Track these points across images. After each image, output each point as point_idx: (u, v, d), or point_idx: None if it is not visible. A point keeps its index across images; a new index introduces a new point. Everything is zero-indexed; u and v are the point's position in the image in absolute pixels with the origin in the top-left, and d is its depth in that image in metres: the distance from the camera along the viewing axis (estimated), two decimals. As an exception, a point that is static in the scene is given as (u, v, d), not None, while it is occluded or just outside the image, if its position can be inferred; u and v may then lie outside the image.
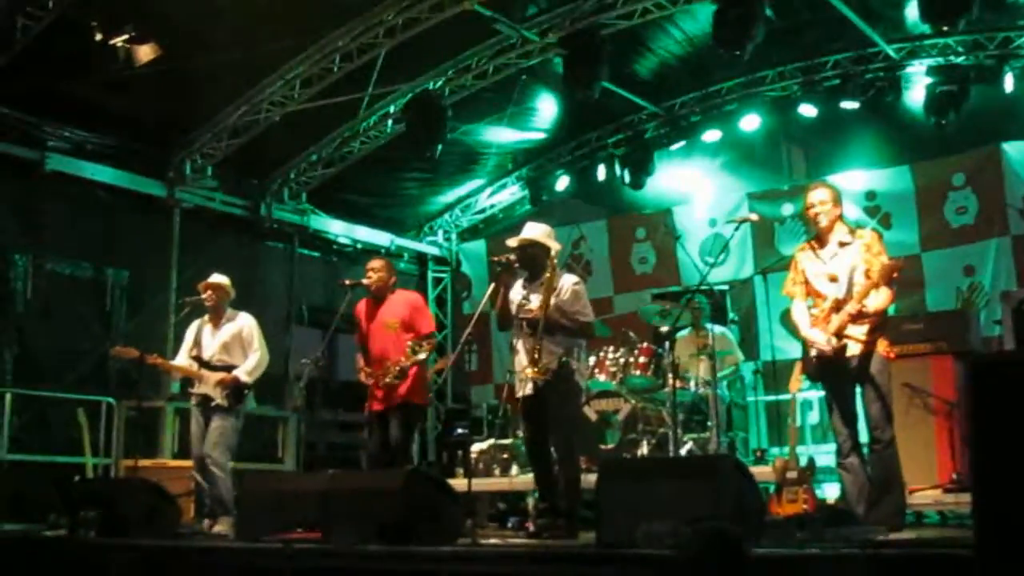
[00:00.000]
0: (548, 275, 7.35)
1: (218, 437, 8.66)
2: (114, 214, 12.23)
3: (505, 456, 10.77)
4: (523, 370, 7.26)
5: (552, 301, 7.26)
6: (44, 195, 11.61)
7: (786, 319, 7.69)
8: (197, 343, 9.04)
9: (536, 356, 7.11)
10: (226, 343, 8.96)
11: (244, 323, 9.06)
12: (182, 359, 9.12)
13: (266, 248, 14.16)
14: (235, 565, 6.28)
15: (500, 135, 13.79)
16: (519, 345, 7.47)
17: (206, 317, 9.14)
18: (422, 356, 8.13)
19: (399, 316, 8.39)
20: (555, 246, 7.61)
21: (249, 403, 8.94)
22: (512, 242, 7.64)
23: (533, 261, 7.54)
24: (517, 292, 7.60)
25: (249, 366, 8.88)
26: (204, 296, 9.03)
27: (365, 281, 8.49)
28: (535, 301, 7.35)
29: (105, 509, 7.30)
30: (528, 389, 7.29)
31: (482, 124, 13.44)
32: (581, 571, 4.89)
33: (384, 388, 8.22)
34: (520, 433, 11.20)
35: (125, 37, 9.38)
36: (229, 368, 8.82)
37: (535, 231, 7.62)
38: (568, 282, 7.47)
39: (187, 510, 9.34)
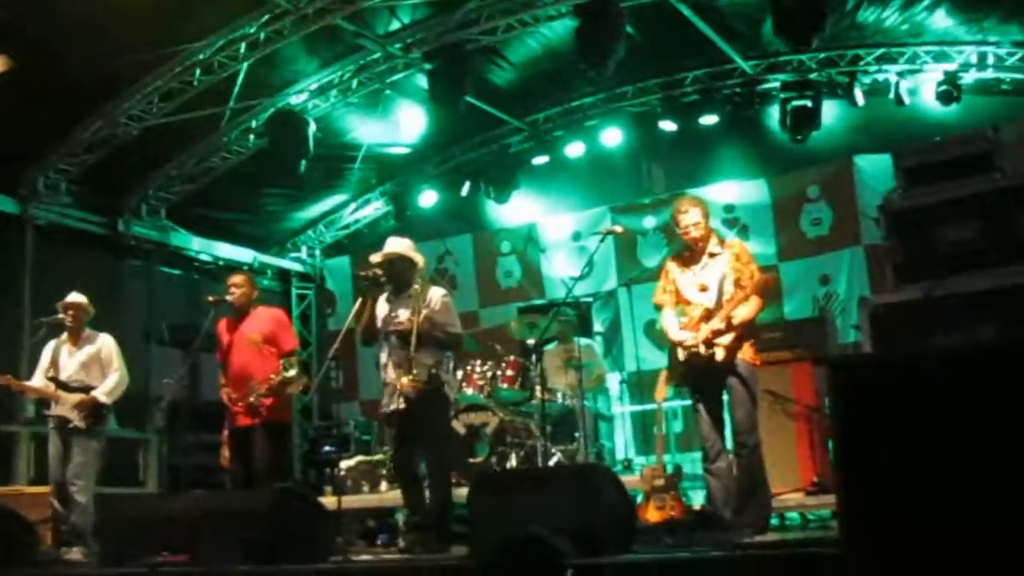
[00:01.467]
0: (417, 287, 7.42)
1: (80, 461, 8.42)
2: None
3: (374, 472, 10.68)
4: (394, 383, 7.24)
5: (423, 313, 7.26)
6: None
7: (651, 330, 7.83)
8: (54, 363, 8.78)
9: (409, 367, 7.09)
10: (84, 363, 8.75)
11: (103, 343, 8.85)
12: (38, 380, 8.83)
13: (125, 266, 13.76)
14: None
15: (364, 150, 13.71)
16: (387, 359, 7.44)
17: (63, 337, 8.89)
18: (293, 373, 8.02)
19: (262, 331, 8.26)
20: (419, 259, 7.67)
21: (110, 425, 8.73)
22: (376, 257, 7.66)
23: (398, 275, 7.58)
24: (382, 307, 7.59)
25: (108, 386, 8.67)
26: (62, 316, 8.81)
27: (228, 297, 8.36)
28: (403, 314, 7.36)
29: (-41, 538, 7.03)
30: (399, 403, 7.25)
31: (346, 139, 13.35)
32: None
33: (247, 406, 8.07)
34: (388, 449, 11.18)
35: (-25, 49, 9.08)
36: (87, 389, 8.60)
37: (398, 245, 7.66)
38: (437, 294, 7.52)
39: (45, 537, 9.04)
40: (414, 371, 7.13)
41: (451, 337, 7.47)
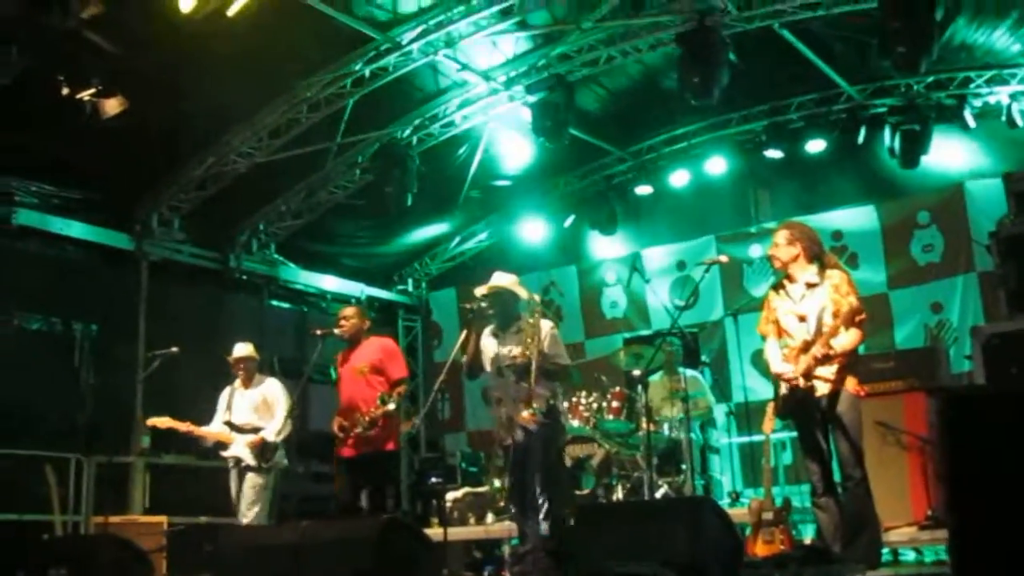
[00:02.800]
0: (532, 321, 7.52)
1: (252, 496, 9.00)
2: (82, 268, 12.16)
3: (480, 504, 10.72)
4: (511, 416, 7.33)
5: (535, 347, 7.38)
6: (11, 249, 11.52)
7: (758, 360, 7.73)
8: (228, 408, 9.38)
9: (529, 401, 7.20)
10: (256, 407, 9.32)
11: (270, 387, 9.41)
12: (215, 425, 9.40)
13: (235, 299, 14.08)
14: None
15: (468, 183, 13.82)
16: (501, 393, 7.52)
17: (236, 383, 9.51)
18: (391, 407, 8.19)
19: (370, 360, 8.51)
20: (523, 293, 7.79)
21: (280, 460, 9.21)
22: (481, 290, 7.79)
23: (504, 309, 7.72)
24: (488, 341, 7.66)
25: (276, 427, 9.10)
26: (235, 370, 9.49)
27: (337, 330, 8.63)
28: (516, 348, 7.41)
29: (74, 566, 7.21)
30: (518, 436, 7.33)
31: (450, 172, 13.48)
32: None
33: (355, 436, 8.26)
34: (496, 481, 11.19)
35: (92, 91, 9.35)
36: (257, 430, 9.15)
37: (504, 280, 7.81)
38: (546, 327, 7.63)
39: (160, 566, 9.25)
40: (534, 404, 7.25)
41: (561, 369, 7.61)
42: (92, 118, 9.48)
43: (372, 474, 8.46)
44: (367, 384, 8.43)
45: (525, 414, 7.26)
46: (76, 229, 11.95)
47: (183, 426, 9.34)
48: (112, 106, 9.46)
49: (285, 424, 9.10)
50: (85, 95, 9.32)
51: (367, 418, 8.19)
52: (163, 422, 9.39)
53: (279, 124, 11.70)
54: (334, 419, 8.60)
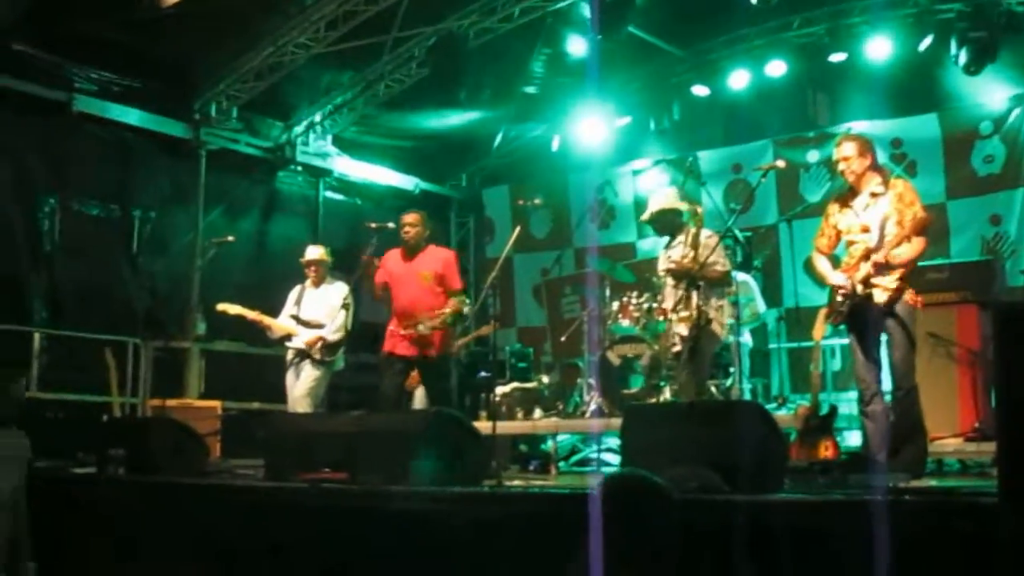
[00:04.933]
0: (693, 229, 8.17)
1: (307, 386, 9.37)
2: (141, 156, 12.30)
3: (528, 399, 10.87)
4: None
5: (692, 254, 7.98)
6: (71, 136, 11.66)
7: (810, 266, 7.70)
8: (297, 303, 9.67)
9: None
10: (324, 306, 9.57)
11: (339, 289, 9.56)
12: (283, 319, 9.68)
13: (291, 190, 14.21)
14: (262, 503, 6.38)
15: (523, 79, 13.72)
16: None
17: (307, 283, 9.78)
18: (450, 321, 8.69)
19: (433, 270, 8.78)
20: (684, 206, 8.43)
21: (338, 359, 9.54)
22: (645, 216, 8.75)
23: (669, 223, 8.53)
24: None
25: (336, 326, 9.42)
26: (306, 271, 9.76)
27: (403, 235, 8.75)
28: (676, 255, 8.25)
29: (133, 447, 7.42)
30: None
31: (506, 67, 13.36)
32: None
33: (415, 336, 8.48)
34: (544, 378, 11.33)
35: (152, -22, 9.36)
36: (322, 327, 9.44)
37: (664, 200, 8.57)
38: (703, 236, 8.14)
39: (214, 449, 9.50)
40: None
41: (718, 276, 8.15)
42: (150, 7, 9.49)
43: (425, 375, 8.78)
44: (430, 291, 8.72)
45: (683, 314, 7.81)
46: (135, 117, 12.06)
47: (252, 314, 9.59)
48: (171, -4, 9.47)
49: (344, 325, 9.36)
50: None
51: (438, 320, 8.46)
52: (232, 308, 9.64)
53: (336, 15, 11.62)
54: (392, 319, 8.85)
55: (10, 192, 11.03)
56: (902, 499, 4.19)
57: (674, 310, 7.97)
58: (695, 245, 8.00)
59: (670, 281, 8.27)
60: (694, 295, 7.81)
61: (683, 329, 7.84)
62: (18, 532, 4.56)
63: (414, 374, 9.17)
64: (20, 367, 4.29)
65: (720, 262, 8.11)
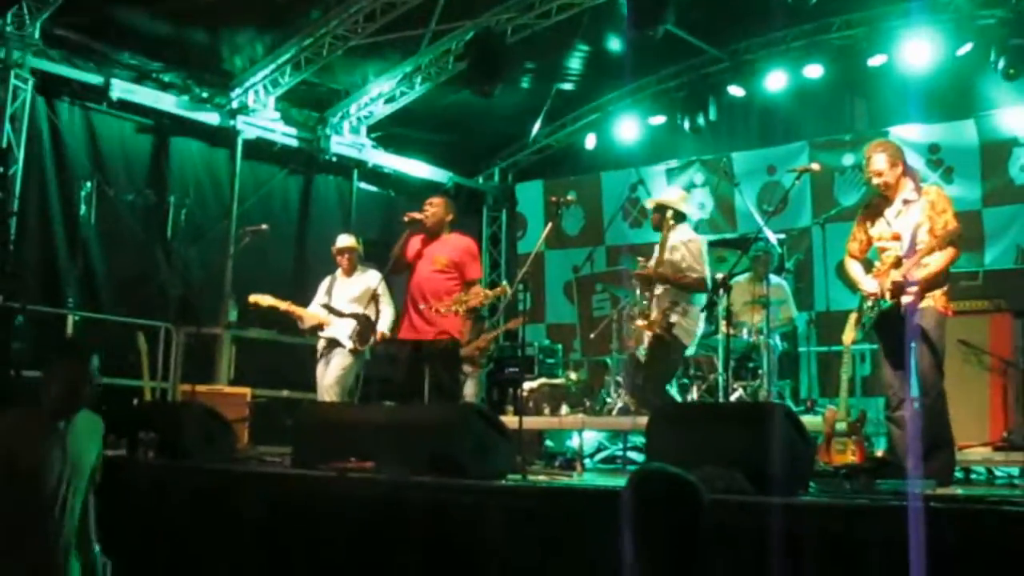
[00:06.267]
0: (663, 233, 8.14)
1: (337, 376, 9.32)
2: (177, 142, 12.40)
3: (556, 395, 10.88)
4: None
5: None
6: (108, 121, 11.77)
7: (842, 270, 7.67)
8: (328, 293, 9.67)
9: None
10: (358, 296, 9.47)
11: (374, 278, 9.31)
12: (314, 308, 9.69)
13: (325, 181, 14.29)
14: (290, 490, 6.43)
15: (560, 76, 13.73)
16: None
17: (338, 272, 9.77)
18: (463, 309, 8.19)
19: (450, 256, 8.44)
20: (686, 209, 8.41)
21: (366, 351, 9.50)
22: (649, 203, 8.72)
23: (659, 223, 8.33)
24: None
25: (388, 319, 9.39)
26: (340, 260, 9.74)
27: (422, 216, 8.57)
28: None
29: (163, 432, 7.49)
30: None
31: (543, 65, 13.38)
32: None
33: (424, 319, 8.28)
34: (572, 375, 11.33)
35: (193, -34, 9.43)
36: (357, 314, 9.36)
37: (668, 195, 8.62)
38: (674, 238, 8.15)
39: (242, 435, 9.56)
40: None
41: (691, 281, 8.00)
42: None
43: (431, 362, 8.52)
44: (442, 276, 8.43)
45: (640, 323, 7.77)
46: (172, 103, 12.15)
47: (283, 305, 9.62)
48: (212, -17, 9.53)
49: (392, 316, 9.40)
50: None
51: (442, 308, 8.23)
52: (265, 300, 9.64)
53: (374, 8, 11.67)
54: (405, 301, 8.61)
55: (51, 176, 11.15)
56: (930, 506, 4.18)
57: (642, 315, 7.98)
58: (662, 247, 8.01)
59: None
60: (654, 301, 7.90)
61: (645, 336, 7.88)
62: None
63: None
64: (94, 352, 4.42)
65: (696, 268, 7.96)
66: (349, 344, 9.36)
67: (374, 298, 9.04)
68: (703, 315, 8.13)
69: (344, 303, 9.55)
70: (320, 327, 9.59)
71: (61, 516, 4.57)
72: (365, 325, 9.31)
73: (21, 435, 4.60)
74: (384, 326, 9.31)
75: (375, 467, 6.33)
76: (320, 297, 9.74)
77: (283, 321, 10.24)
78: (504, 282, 8.70)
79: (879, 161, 6.83)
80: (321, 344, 9.59)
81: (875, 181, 6.86)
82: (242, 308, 11.19)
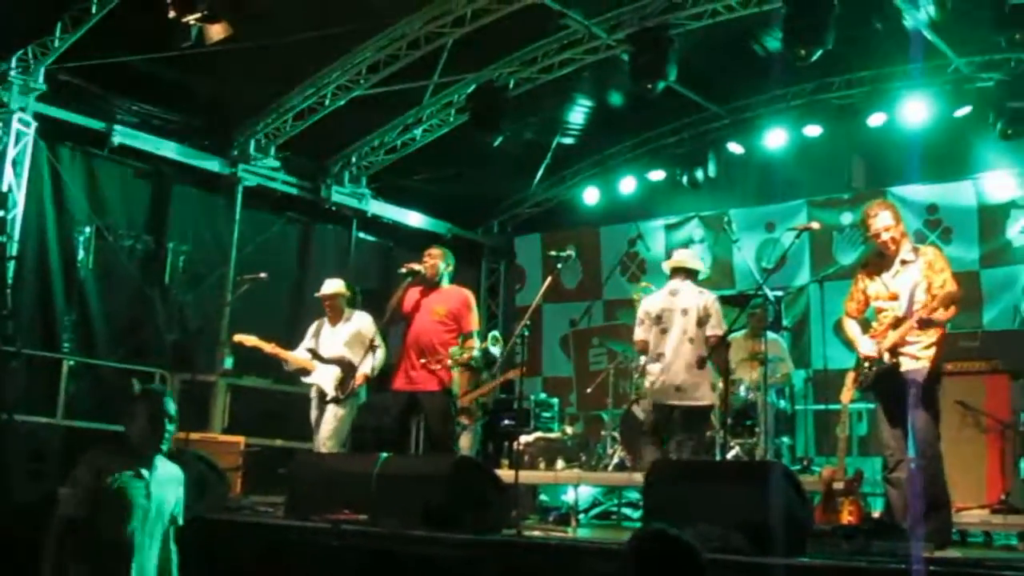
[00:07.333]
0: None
1: (331, 425, 9.06)
2: (177, 189, 12.43)
3: (551, 449, 10.81)
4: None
5: None
6: (109, 167, 11.81)
7: (840, 328, 7.66)
8: (315, 337, 9.45)
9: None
10: (347, 342, 9.30)
11: (363, 322, 9.35)
12: (300, 352, 9.47)
13: (324, 230, 14.31)
14: (283, 540, 6.38)
15: (561, 130, 13.81)
16: None
17: (325, 318, 9.53)
18: (458, 362, 8.35)
19: (448, 307, 8.53)
20: (698, 265, 8.47)
21: (361, 395, 9.28)
22: (667, 265, 8.53)
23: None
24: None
25: (378, 362, 9.22)
26: (325, 306, 9.49)
27: (420, 267, 8.62)
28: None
29: (156, 478, 7.41)
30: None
31: (543, 117, 13.45)
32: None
33: (421, 370, 8.29)
34: (568, 429, 11.27)
35: (198, 15, 9.45)
36: (344, 361, 9.17)
37: (682, 256, 8.53)
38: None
39: (235, 484, 9.48)
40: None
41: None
42: (197, 42, 9.60)
43: (429, 414, 8.50)
44: (441, 327, 8.49)
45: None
46: (173, 150, 12.20)
47: (268, 346, 9.43)
48: (217, 31, 9.56)
49: (381, 360, 9.25)
50: (191, 19, 9.42)
51: (437, 361, 8.25)
52: (249, 340, 9.46)
53: (378, 59, 11.78)
54: (402, 352, 8.62)
55: (50, 220, 11.16)
56: (930, 570, 4.14)
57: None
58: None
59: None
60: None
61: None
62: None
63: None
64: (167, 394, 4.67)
65: (721, 328, 8.04)
66: (332, 393, 9.13)
67: (371, 347, 9.02)
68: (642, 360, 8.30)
69: (331, 348, 9.33)
70: (305, 372, 9.40)
71: (134, 556, 4.80)
72: (348, 372, 9.15)
73: (107, 472, 4.89)
74: (368, 368, 9.13)
75: (369, 519, 6.28)
76: (307, 341, 9.54)
77: (278, 370, 10.17)
78: (476, 343, 8.63)
79: (887, 217, 6.83)
80: (314, 390, 9.43)
81: (884, 236, 6.83)
82: (238, 356, 11.15)
